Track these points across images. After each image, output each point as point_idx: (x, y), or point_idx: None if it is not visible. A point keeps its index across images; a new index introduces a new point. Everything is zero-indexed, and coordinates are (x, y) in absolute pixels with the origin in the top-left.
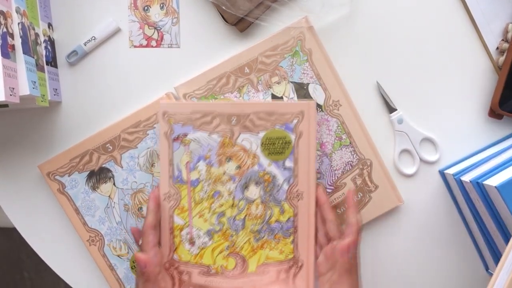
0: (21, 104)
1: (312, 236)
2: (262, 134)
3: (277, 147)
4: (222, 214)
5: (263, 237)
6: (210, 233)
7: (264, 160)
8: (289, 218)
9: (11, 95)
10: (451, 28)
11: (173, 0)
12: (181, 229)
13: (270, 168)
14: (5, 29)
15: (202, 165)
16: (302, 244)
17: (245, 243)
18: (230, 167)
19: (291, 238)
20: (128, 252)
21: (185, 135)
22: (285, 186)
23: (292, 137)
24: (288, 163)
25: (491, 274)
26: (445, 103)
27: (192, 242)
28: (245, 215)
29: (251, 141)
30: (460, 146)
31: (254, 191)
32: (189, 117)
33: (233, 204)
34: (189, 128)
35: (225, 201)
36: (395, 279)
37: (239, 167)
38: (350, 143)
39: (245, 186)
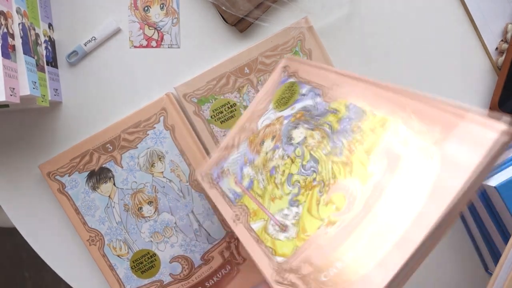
0: (21, 104)
1: None
2: (271, 105)
3: (286, 97)
4: (291, 176)
5: (342, 143)
6: (293, 201)
7: (287, 111)
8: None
9: (11, 95)
10: (450, 28)
11: (173, 0)
12: (265, 229)
13: (296, 108)
14: (5, 30)
15: (246, 169)
16: None
17: (332, 168)
18: (268, 145)
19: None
20: (128, 252)
21: (219, 175)
22: (319, 99)
23: (294, 80)
24: (303, 90)
25: (490, 274)
26: None
27: (283, 228)
28: (309, 152)
29: (270, 117)
30: None
31: (298, 134)
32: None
33: (293, 160)
34: (220, 167)
35: (284, 165)
36: None
37: (274, 137)
38: None
39: (289, 139)
